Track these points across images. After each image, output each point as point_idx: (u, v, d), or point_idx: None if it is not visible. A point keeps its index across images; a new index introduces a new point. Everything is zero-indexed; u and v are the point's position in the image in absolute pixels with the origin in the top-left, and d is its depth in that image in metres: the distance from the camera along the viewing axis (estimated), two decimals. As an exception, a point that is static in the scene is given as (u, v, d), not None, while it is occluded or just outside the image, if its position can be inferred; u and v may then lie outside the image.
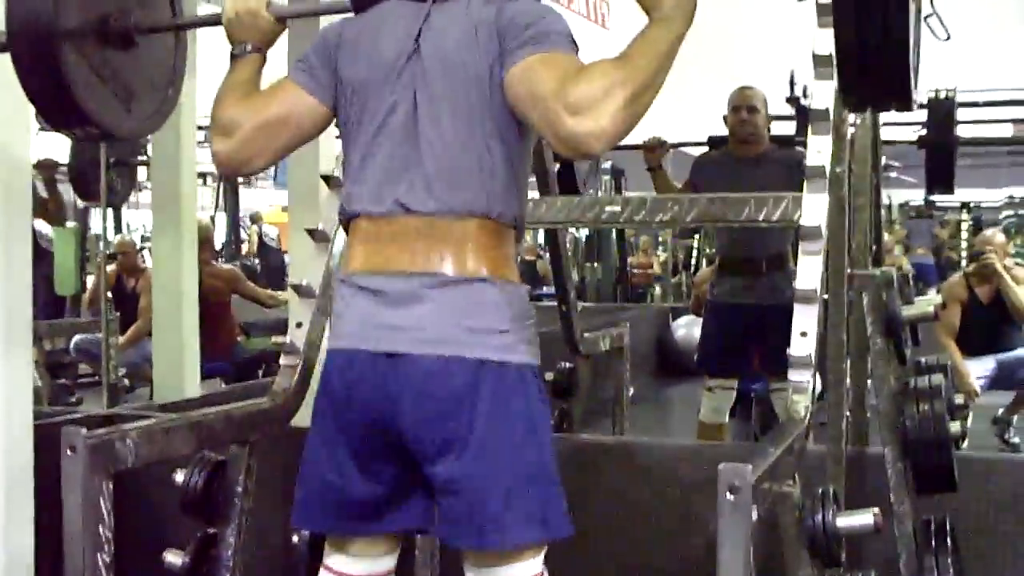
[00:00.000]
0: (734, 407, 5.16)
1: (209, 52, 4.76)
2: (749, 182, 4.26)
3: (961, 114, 4.80)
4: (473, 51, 1.99)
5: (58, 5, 2.18)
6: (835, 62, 1.91)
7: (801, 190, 2.31)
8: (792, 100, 6.86)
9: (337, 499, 2.07)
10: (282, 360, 2.64)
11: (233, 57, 2.24)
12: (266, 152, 2.14)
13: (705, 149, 5.30)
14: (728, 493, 1.64)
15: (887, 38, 1.79)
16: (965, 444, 4.67)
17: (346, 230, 2.15)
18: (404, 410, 1.97)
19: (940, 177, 4.68)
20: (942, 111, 4.57)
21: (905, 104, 2.01)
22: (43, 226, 6.35)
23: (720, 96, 4.86)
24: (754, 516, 1.67)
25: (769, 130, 4.79)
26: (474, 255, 1.99)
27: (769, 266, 4.60)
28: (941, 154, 4.61)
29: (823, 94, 2.39)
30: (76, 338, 6.52)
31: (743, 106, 4.63)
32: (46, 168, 6.37)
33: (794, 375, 2.13)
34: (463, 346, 1.95)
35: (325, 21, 2.75)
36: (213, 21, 2.31)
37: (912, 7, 1.83)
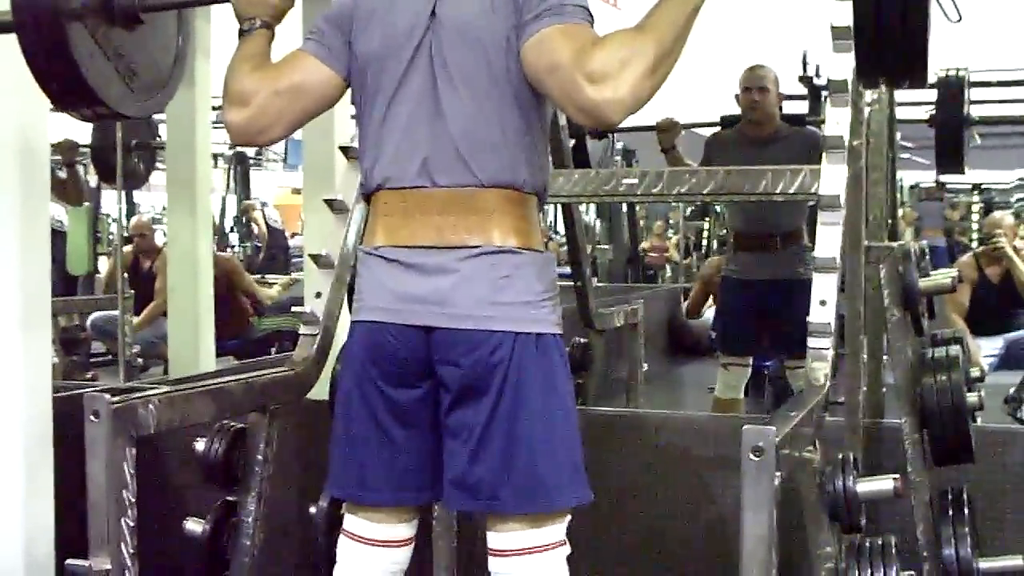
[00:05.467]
0: (747, 385, 5.16)
1: (224, 33, 4.79)
2: (762, 161, 4.25)
3: (974, 94, 4.77)
4: (490, 21, 1.98)
5: None
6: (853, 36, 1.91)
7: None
8: (804, 79, 6.84)
9: (365, 468, 2.10)
10: (301, 330, 2.65)
11: (242, 33, 2.22)
12: (282, 120, 2.12)
13: (717, 129, 5.28)
14: (752, 455, 1.65)
15: (904, 13, 1.80)
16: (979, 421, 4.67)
17: (367, 202, 2.15)
18: (440, 373, 2.01)
19: (950, 156, 4.66)
20: (953, 90, 4.54)
21: (920, 79, 2.03)
22: (54, 208, 6.37)
23: (732, 74, 4.86)
24: (777, 479, 1.68)
25: (781, 109, 4.79)
26: (500, 226, 2.00)
27: (784, 243, 4.61)
28: (951, 133, 4.59)
29: (841, 66, 2.39)
30: (92, 316, 6.56)
31: (754, 87, 4.63)
32: (66, 150, 6.37)
33: (813, 342, 2.14)
34: (493, 320, 1.97)
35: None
36: None
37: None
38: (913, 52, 1.88)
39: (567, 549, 2.08)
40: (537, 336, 2.00)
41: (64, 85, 2.27)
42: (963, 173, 4.55)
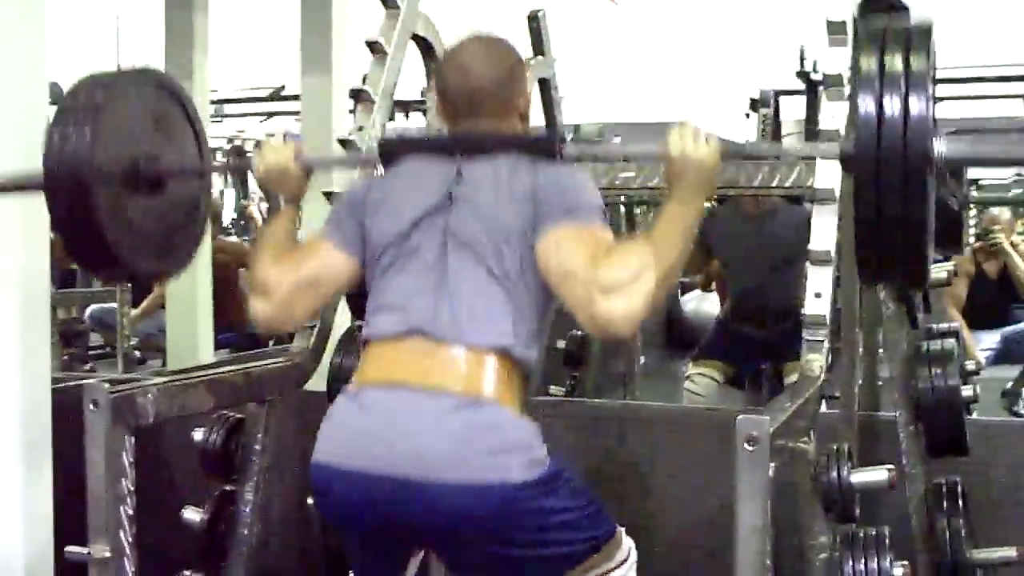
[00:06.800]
0: (743, 381, 5.15)
1: (220, 26, 4.81)
2: (759, 236, 4.31)
3: (971, 89, 4.78)
4: (507, 209, 2.00)
5: (93, 151, 2.22)
6: (856, 239, 1.89)
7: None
8: (802, 74, 6.84)
9: None
10: (300, 321, 2.66)
11: (270, 210, 2.28)
12: (302, 309, 2.16)
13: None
14: (746, 444, 1.66)
15: (906, 229, 1.80)
16: (974, 414, 4.67)
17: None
18: (427, 532, 1.94)
19: (950, 238, 4.50)
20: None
21: (920, 284, 2.08)
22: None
23: (731, 72, 4.85)
24: (771, 470, 1.69)
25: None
26: (489, 381, 1.94)
27: (777, 320, 4.51)
28: (950, 216, 4.45)
29: (836, 60, 2.40)
30: (91, 308, 6.56)
31: None
32: None
33: (809, 334, 2.16)
34: (485, 470, 1.88)
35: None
36: (242, 166, 2.36)
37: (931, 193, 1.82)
38: (914, 263, 1.88)
39: (623, 570, 2.10)
40: (522, 482, 1.89)
41: (87, 248, 2.32)
42: (962, 253, 4.32)
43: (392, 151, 2.19)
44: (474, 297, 1.97)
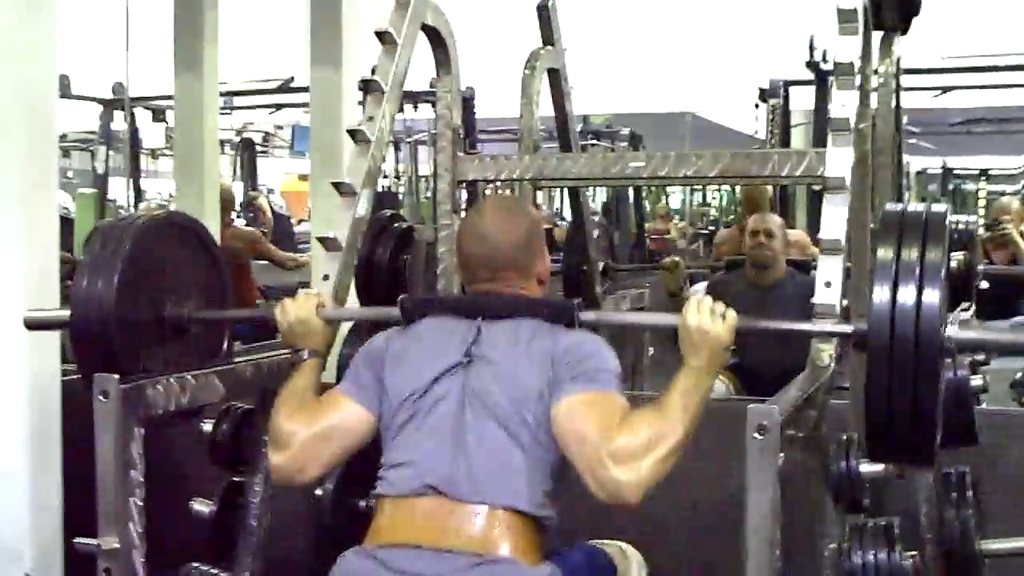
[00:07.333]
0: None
1: (229, 17, 4.81)
2: (766, 305, 4.21)
3: (981, 79, 4.76)
4: (525, 372, 2.03)
5: (119, 294, 2.23)
6: (864, 418, 1.91)
7: None
8: (811, 64, 6.83)
9: None
10: (308, 312, 2.65)
11: (293, 363, 2.31)
12: (318, 462, 2.14)
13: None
14: (756, 433, 1.67)
15: (915, 411, 1.83)
16: (984, 405, 4.63)
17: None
18: None
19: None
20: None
21: (928, 463, 2.16)
22: (60, 196, 6.39)
23: (739, 62, 4.83)
24: (781, 459, 1.69)
25: (787, 251, 4.68)
26: (504, 538, 1.96)
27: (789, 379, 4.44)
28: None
29: (847, 49, 2.39)
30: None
31: (760, 230, 4.51)
32: None
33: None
34: None
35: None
36: (264, 319, 2.37)
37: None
38: (922, 444, 1.91)
39: None
40: None
41: None
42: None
43: (414, 311, 2.20)
44: (491, 456, 1.99)
